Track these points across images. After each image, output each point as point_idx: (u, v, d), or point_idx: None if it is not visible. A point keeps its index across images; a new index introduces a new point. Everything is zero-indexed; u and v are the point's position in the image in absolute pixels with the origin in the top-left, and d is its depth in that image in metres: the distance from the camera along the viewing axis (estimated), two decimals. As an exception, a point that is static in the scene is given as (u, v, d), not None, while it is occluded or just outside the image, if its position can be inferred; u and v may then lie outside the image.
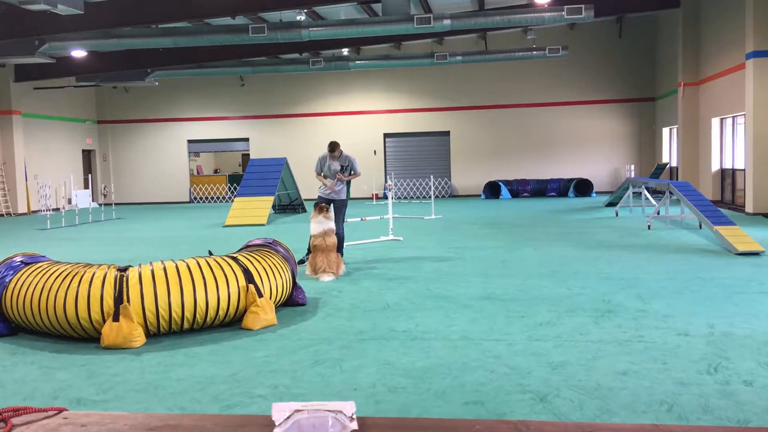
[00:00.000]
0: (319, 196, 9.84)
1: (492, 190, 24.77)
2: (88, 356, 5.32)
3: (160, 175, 28.17)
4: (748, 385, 4.22)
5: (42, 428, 1.53)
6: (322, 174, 9.85)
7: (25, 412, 1.59)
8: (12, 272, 6.09)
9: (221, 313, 5.93)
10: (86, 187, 26.37)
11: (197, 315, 5.79)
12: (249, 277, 6.08)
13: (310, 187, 19.82)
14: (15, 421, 1.55)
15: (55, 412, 1.61)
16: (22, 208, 23.13)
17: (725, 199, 18.25)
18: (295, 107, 27.22)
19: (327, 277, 8.40)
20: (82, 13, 13.29)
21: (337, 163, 9.82)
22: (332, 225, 8.83)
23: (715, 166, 18.79)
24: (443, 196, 26.24)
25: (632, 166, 23.81)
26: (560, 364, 4.74)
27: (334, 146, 9.85)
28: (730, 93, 17.22)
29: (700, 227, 12.78)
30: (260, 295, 6.06)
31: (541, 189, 24.64)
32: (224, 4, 14.75)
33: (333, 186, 9.67)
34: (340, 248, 9.47)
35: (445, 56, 20.87)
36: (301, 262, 9.55)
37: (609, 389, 4.20)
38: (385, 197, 24.71)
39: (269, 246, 7.00)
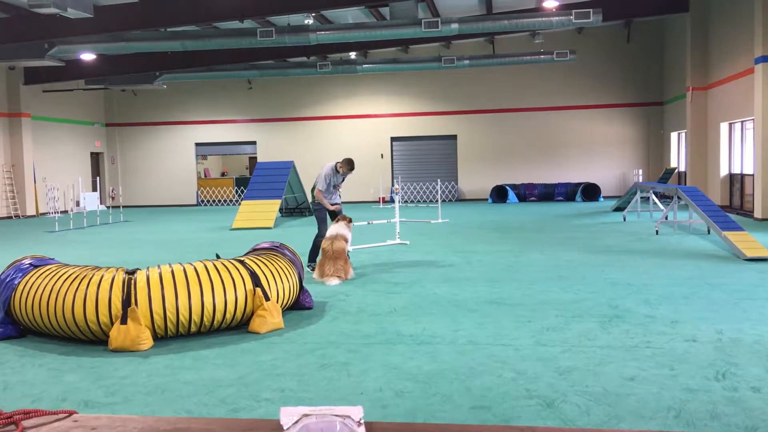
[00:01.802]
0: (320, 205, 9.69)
1: (499, 194, 24.75)
2: (96, 359, 5.34)
3: (167, 178, 28.27)
4: (756, 391, 4.20)
5: (52, 431, 1.53)
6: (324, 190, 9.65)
7: (35, 414, 1.60)
8: (21, 275, 6.13)
9: (228, 316, 5.94)
10: (94, 189, 26.48)
11: (204, 318, 5.81)
12: (256, 281, 6.10)
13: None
14: (26, 423, 1.56)
15: (66, 414, 1.62)
16: (30, 211, 23.25)
17: (734, 205, 18.17)
18: (303, 110, 27.28)
19: (333, 281, 8.41)
20: (92, 16, 13.38)
21: (341, 176, 9.72)
22: (346, 233, 8.82)
23: (723, 171, 18.71)
24: (450, 200, 26.23)
25: (640, 171, 23.74)
26: (567, 369, 4.73)
27: (354, 164, 9.65)
28: (738, 97, 17.16)
29: (709, 232, 12.73)
30: (267, 299, 6.07)
31: (548, 193, 24.59)
32: (232, 7, 14.81)
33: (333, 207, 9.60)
34: None
35: (453, 60, 20.88)
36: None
37: (616, 395, 4.19)
38: (392, 201, 24.72)
39: (276, 249, 7.02)
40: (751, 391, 4.21)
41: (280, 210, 19.94)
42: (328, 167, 9.63)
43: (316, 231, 9.67)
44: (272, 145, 27.44)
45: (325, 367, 4.96)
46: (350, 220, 9.11)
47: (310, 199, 9.94)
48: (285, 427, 1.49)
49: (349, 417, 1.52)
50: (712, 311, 6.44)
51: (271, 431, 1.52)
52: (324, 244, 8.70)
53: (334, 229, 8.81)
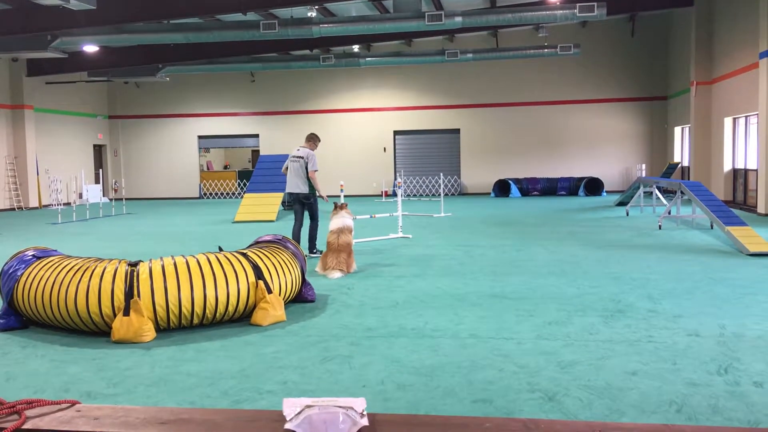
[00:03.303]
0: (316, 194, 10.03)
1: (502, 188, 24.72)
2: (98, 350, 5.35)
3: (170, 171, 28.28)
4: (758, 386, 4.20)
5: (55, 420, 1.54)
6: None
7: (38, 404, 1.60)
8: (24, 266, 6.14)
9: (231, 308, 5.95)
10: (97, 181, 26.50)
11: (207, 310, 5.82)
12: (258, 273, 6.10)
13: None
14: (29, 413, 1.57)
15: (68, 404, 1.62)
16: (33, 203, 23.28)
17: (737, 200, 18.13)
18: (305, 104, 27.25)
19: (335, 274, 8.41)
20: (95, 8, 13.36)
21: None
22: (351, 224, 8.84)
23: (727, 166, 18.67)
24: (453, 194, 26.21)
25: (643, 166, 23.67)
26: (569, 363, 4.73)
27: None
28: (743, 92, 17.10)
29: (712, 227, 12.72)
30: (269, 291, 6.08)
31: (551, 187, 24.56)
32: (235, 0, 14.78)
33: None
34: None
35: (456, 53, 20.83)
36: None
37: (618, 389, 4.19)
38: (395, 194, 24.71)
39: (279, 242, 7.02)
40: (754, 385, 4.21)
41: (283, 203, 19.95)
42: (309, 152, 9.93)
43: (311, 222, 10.14)
44: (275, 138, 27.43)
45: (327, 359, 4.97)
46: (346, 205, 9.18)
47: (302, 190, 9.94)
48: (288, 418, 1.49)
49: (351, 408, 1.52)
50: (715, 306, 6.43)
51: (274, 422, 1.52)
52: (330, 237, 8.67)
53: (339, 221, 8.72)
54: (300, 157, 9.87)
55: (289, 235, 10.43)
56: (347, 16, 16.97)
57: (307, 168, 9.79)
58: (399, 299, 7.05)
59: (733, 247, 10.34)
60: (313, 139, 10.12)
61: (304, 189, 9.88)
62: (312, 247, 10.23)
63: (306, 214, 10.16)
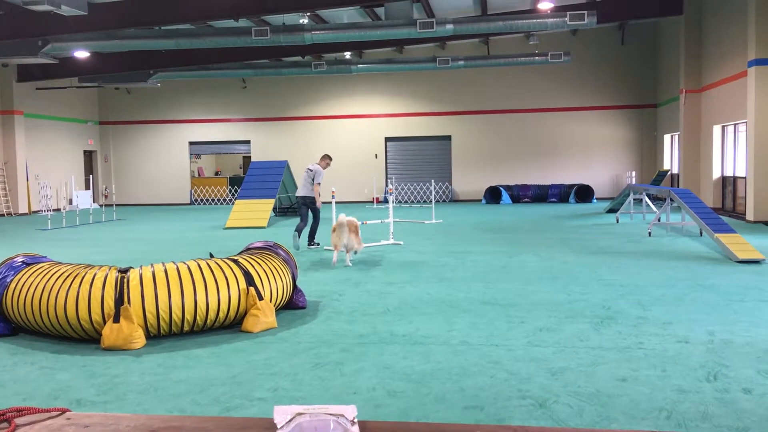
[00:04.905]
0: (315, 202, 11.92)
1: (493, 195, 24.78)
2: (88, 357, 5.32)
3: (161, 177, 28.19)
4: (747, 393, 4.22)
5: (45, 428, 1.53)
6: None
7: (28, 412, 1.59)
8: (13, 272, 6.10)
9: (221, 315, 5.93)
10: (87, 187, 26.38)
11: (197, 317, 5.80)
12: (249, 280, 6.09)
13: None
14: (18, 421, 1.56)
15: (58, 412, 1.61)
16: (23, 209, 23.15)
17: (726, 207, 18.25)
18: (297, 110, 27.26)
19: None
20: (86, 14, 13.34)
21: None
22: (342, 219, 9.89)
23: (716, 174, 18.79)
24: (444, 201, 26.25)
25: (633, 173, 23.82)
26: (560, 370, 4.74)
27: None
28: (731, 100, 17.24)
29: (701, 234, 12.79)
30: (260, 298, 6.07)
31: (542, 194, 24.64)
32: (227, 6, 14.78)
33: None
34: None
35: (448, 61, 20.90)
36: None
37: (608, 396, 4.21)
38: (386, 201, 24.72)
39: (270, 249, 7.01)
40: (742, 392, 4.24)
41: (274, 209, 19.92)
42: (319, 168, 11.85)
43: (311, 222, 12.01)
44: (266, 144, 27.40)
45: (318, 366, 4.96)
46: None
47: (303, 193, 11.98)
48: (278, 426, 1.49)
49: (342, 416, 1.52)
50: (704, 313, 6.47)
51: (265, 430, 1.52)
52: (334, 239, 9.80)
53: (342, 217, 9.82)
54: (311, 170, 11.92)
55: (281, 242, 11.01)
56: (339, 23, 17.00)
57: (314, 180, 11.81)
58: (390, 306, 7.05)
59: (722, 254, 10.40)
60: (324, 159, 12.18)
61: (310, 194, 11.88)
62: (311, 241, 12.00)
63: (310, 215, 12.07)
